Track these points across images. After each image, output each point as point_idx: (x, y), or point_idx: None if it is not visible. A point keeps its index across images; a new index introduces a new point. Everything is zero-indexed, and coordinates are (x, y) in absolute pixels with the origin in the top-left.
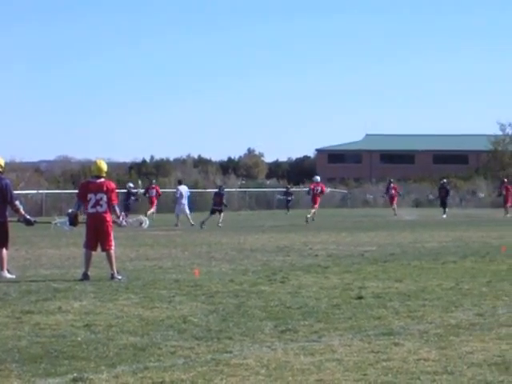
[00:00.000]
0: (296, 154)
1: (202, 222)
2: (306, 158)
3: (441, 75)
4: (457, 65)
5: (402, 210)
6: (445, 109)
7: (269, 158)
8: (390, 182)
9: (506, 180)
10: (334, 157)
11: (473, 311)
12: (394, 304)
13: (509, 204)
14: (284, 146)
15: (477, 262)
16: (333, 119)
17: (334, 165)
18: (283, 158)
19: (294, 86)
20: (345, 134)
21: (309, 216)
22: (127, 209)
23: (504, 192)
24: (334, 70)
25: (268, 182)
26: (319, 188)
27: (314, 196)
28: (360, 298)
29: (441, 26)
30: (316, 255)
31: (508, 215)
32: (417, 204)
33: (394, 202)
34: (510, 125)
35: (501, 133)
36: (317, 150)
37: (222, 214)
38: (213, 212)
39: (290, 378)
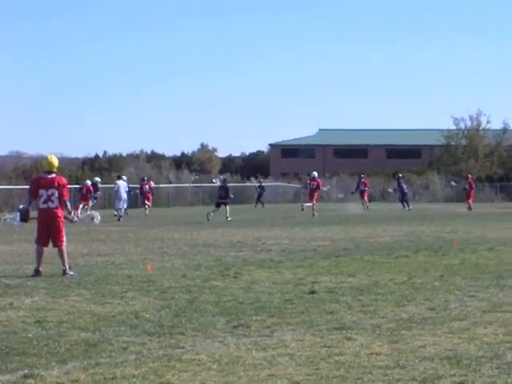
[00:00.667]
0: (249, 148)
1: (208, 214)
2: (259, 152)
3: (393, 70)
4: (410, 59)
5: (356, 204)
6: (398, 103)
7: (222, 153)
8: (361, 178)
9: (470, 176)
10: (288, 152)
11: (425, 305)
12: (347, 299)
13: (471, 199)
14: (237, 140)
15: (429, 256)
16: (286, 114)
17: (287, 160)
18: (236, 153)
19: (247, 81)
20: (298, 128)
21: (305, 205)
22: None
23: (467, 187)
24: (286, 65)
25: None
26: (315, 183)
27: (310, 191)
28: (313, 292)
29: (391, 19)
30: (269, 250)
31: (471, 210)
32: (370, 198)
33: (365, 197)
34: (463, 119)
35: (454, 127)
36: (270, 144)
37: (228, 206)
38: (218, 205)
39: (242, 373)
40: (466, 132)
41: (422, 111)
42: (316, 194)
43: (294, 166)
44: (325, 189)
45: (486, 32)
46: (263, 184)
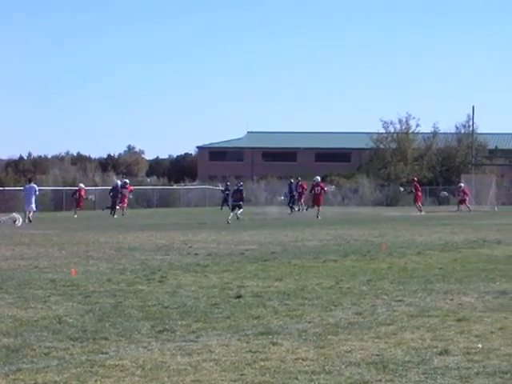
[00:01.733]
0: (177, 151)
1: (230, 219)
2: (186, 155)
3: (322, 72)
4: (338, 62)
5: (276, 207)
6: (327, 106)
7: (149, 156)
8: (299, 181)
9: (415, 179)
10: (216, 154)
11: (352, 310)
12: (274, 303)
13: (419, 202)
14: (165, 143)
15: (357, 260)
16: (214, 116)
17: (215, 162)
18: (164, 156)
19: (174, 83)
20: (226, 131)
21: (304, 208)
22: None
23: (414, 190)
24: (214, 67)
25: (148, 180)
26: (319, 188)
27: (315, 195)
28: (239, 297)
29: (315, 19)
30: (196, 254)
31: (422, 213)
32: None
33: (302, 200)
34: (392, 123)
35: (384, 130)
36: (198, 147)
37: (242, 209)
38: (233, 208)
39: (166, 379)
40: (395, 135)
41: (351, 114)
42: (321, 198)
43: (222, 168)
44: (330, 189)
45: (414, 35)
46: (229, 187)
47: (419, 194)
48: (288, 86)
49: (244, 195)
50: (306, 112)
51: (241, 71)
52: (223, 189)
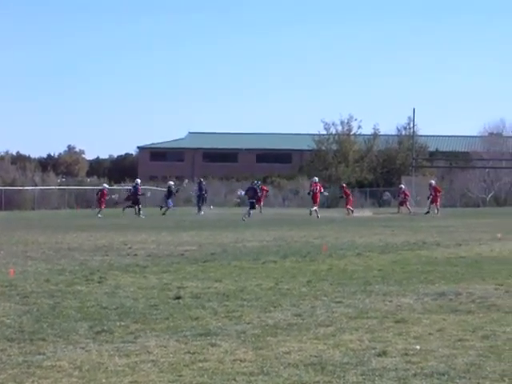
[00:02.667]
0: (118, 151)
1: (244, 215)
2: (127, 155)
3: (264, 73)
4: (279, 62)
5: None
6: (269, 107)
7: (90, 156)
8: (257, 183)
9: (344, 185)
10: (156, 155)
11: (291, 311)
12: (213, 304)
13: (349, 205)
14: (105, 143)
15: (297, 261)
16: (155, 117)
17: (155, 163)
18: (104, 156)
19: (114, 83)
20: (167, 131)
21: (312, 210)
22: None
23: (344, 195)
24: (156, 67)
25: (88, 180)
26: (317, 187)
27: (314, 194)
28: (178, 298)
29: (255, 26)
30: (135, 255)
31: (354, 214)
32: (241, 203)
33: (261, 202)
34: (334, 124)
35: (325, 132)
36: (139, 147)
37: (253, 209)
38: (252, 205)
39: (104, 380)
40: (336, 137)
41: (293, 116)
42: (319, 197)
43: (163, 169)
44: (325, 193)
45: (355, 36)
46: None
47: (350, 198)
48: (229, 86)
49: (259, 193)
50: (247, 113)
51: (182, 72)
52: (196, 188)
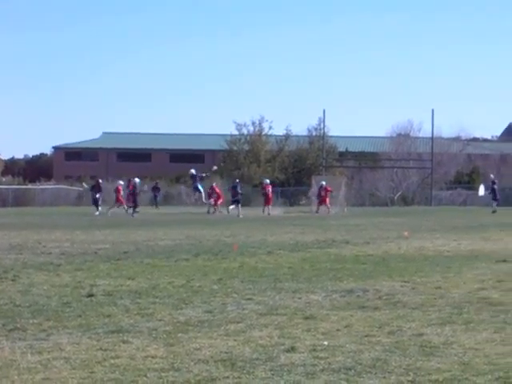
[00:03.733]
0: (33, 151)
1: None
2: (42, 155)
3: (177, 74)
4: (192, 63)
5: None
6: (182, 108)
7: (4, 155)
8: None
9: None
10: (71, 154)
11: (202, 308)
12: (125, 302)
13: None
14: (20, 142)
15: (209, 259)
16: (71, 117)
17: (70, 162)
18: (19, 155)
19: (30, 82)
20: (82, 131)
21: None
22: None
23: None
24: (69, 68)
25: (4, 179)
26: (269, 189)
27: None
28: (91, 295)
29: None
30: (49, 253)
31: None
32: (152, 202)
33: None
34: (245, 125)
35: (237, 132)
36: (54, 147)
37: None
38: (233, 203)
39: (16, 377)
40: (248, 137)
41: (206, 116)
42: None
43: (78, 168)
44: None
45: (264, 37)
46: (159, 185)
47: (269, 196)
48: (143, 87)
49: (239, 191)
50: (161, 113)
51: (97, 72)
52: (155, 185)
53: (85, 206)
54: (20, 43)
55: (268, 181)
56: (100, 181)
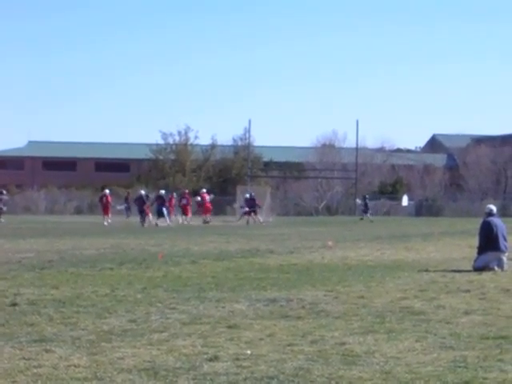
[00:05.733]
0: None
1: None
2: None
3: (103, 83)
4: (116, 70)
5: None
6: (107, 116)
7: None
8: (184, 193)
9: (186, 191)
10: None
11: (126, 317)
12: (49, 311)
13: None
14: None
15: (133, 269)
16: None
17: None
18: None
19: None
20: (7, 140)
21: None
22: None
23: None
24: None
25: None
26: (205, 197)
27: (204, 204)
28: (14, 304)
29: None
30: None
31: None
32: (78, 211)
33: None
34: (171, 134)
35: (163, 142)
36: None
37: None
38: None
39: None
40: (174, 147)
41: (131, 125)
42: (209, 206)
43: (3, 177)
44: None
45: (193, 46)
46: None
47: (189, 206)
48: (69, 95)
49: (257, 202)
50: (86, 122)
51: (21, 79)
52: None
53: (9, 214)
54: None
55: (205, 190)
56: (162, 192)
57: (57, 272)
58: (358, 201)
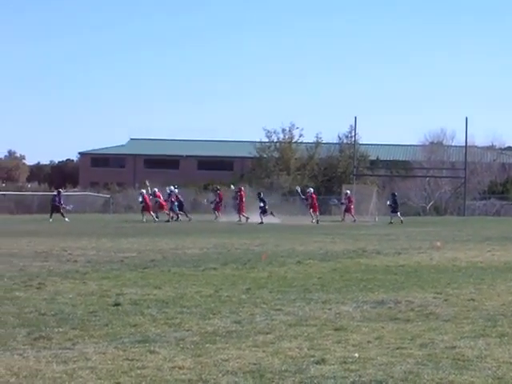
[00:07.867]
0: (58, 156)
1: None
2: (68, 161)
3: (206, 80)
4: (222, 69)
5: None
6: (211, 114)
7: (30, 161)
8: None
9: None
10: (98, 160)
11: (230, 318)
12: (152, 311)
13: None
14: (46, 148)
15: (237, 269)
16: (97, 122)
17: (97, 169)
18: (45, 161)
19: (56, 87)
20: (109, 137)
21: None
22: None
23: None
24: (97, 73)
25: (29, 186)
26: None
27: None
28: (117, 304)
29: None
30: (75, 261)
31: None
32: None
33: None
34: (275, 132)
35: (266, 139)
36: (80, 153)
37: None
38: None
39: None
40: (278, 145)
41: (235, 123)
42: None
43: (104, 175)
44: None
45: (296, 43)
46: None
47: (315, 204)
48: (172, 93)
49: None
50: (189, 120)
51: (125, 78)
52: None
53: (111, 213)
54: (46, 49)
55: (348, 191)
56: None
57: (159, 272)
58: (388, 202)
